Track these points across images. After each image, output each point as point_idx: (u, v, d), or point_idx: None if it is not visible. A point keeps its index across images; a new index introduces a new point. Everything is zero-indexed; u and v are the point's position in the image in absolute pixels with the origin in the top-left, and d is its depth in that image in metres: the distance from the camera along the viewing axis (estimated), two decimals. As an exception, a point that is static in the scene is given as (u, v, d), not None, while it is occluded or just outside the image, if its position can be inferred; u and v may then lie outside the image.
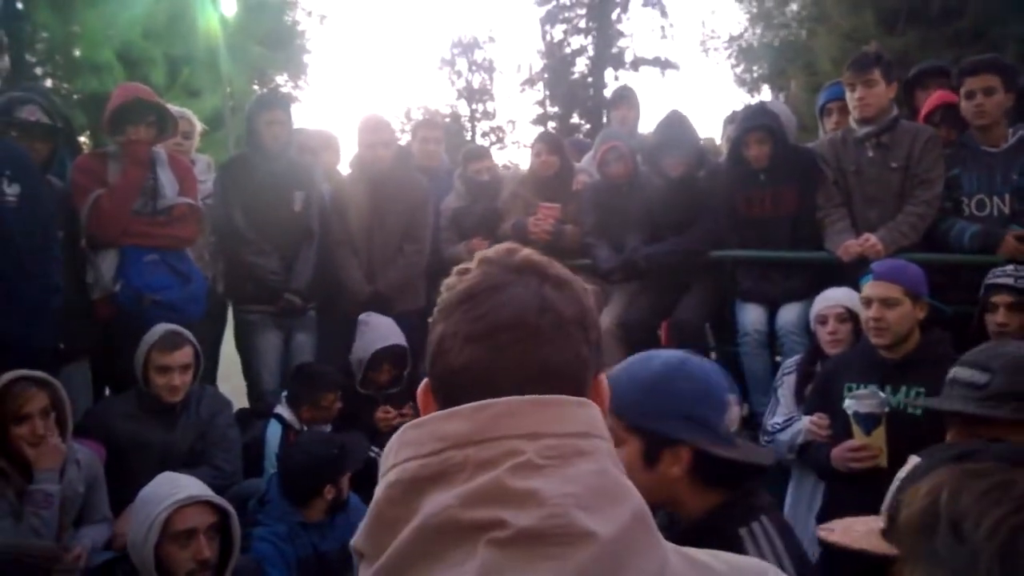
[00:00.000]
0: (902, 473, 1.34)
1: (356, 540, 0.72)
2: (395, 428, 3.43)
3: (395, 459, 0.71)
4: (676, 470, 1.36)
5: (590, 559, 0.63)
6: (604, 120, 5.12)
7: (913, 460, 1.37)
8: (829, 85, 4.22)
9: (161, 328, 3.03)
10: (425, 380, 0.80)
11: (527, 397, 0.70)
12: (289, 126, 3.86)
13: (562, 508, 0.64)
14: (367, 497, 2.79)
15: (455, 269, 0.81)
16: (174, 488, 2.28)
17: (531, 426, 0.69)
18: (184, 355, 3.00)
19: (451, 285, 0.79)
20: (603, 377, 0.80)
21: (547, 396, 0.71)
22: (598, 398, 0.78)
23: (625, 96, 4.79)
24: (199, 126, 4.17)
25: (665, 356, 1.45)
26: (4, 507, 2.46)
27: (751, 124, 3.57)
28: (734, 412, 1.42)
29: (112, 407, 3.12)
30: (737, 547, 1.32)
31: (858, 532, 1.21)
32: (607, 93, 26.27)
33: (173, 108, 3.71)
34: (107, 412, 3.09)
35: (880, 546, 1.17)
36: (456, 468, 0.67)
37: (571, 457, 0.68)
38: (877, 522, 1.26)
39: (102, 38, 11.19)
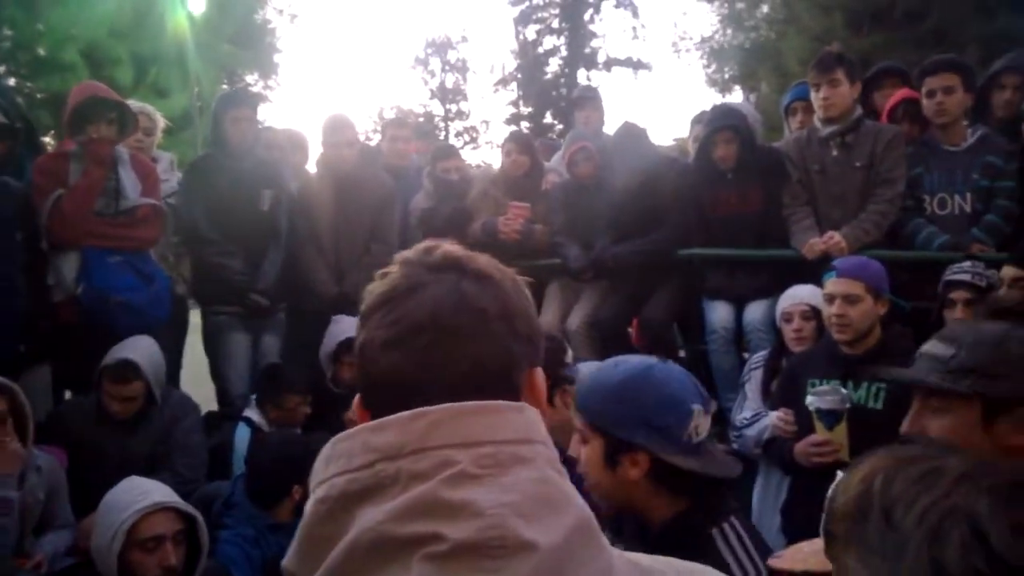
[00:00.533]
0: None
1: (287, 561, 0.69)
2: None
3: (324, 474, 0.68)
4: (634, 473, 1.39)
5: (530, 571, 0.61)
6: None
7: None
8: (794, 85, 4.29)
9: (117, 354, 2.97)
10: (358, 397, 0.78)
11: (461, 404, 0.68)
12: (255, 124, 3.83)
13: (500, 518, 0.62)
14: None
15: (377, 273, 0.79)
16: (140, 494, 2.24)
17: (466, 434, 0.66)
18: (132, 390, 2.97)
19: (371, 290, 0.77)
20: (538, 371, 0.78)
21: (483, 402, 0.69)
22: (533, 393, 0.76)
23: (588, 97, 4.81)
24: (161, 122, 4.10)
25: (633, 363, 1.47)
26: (-37, 514, 2.40)
27: (718, 124, 3.61)
28: (702, 420, 1.42)
29: (72, 412, 3.08)
30: (709, 545, 1.36)
31: (804, 553, 1.22)
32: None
33: (133, 104, 3.67)
34: (67, 417, 3.05)
35: (823, 564, 1.18)
36: (388, 481, 0.65)
37: (509, 465, 0.66)
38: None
39: (66, 37, 11.00)
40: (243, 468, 3.07)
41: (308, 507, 0.68)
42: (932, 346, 1.57)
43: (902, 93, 3.84)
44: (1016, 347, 1.43)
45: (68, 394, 3.47)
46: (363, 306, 0.76)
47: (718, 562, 1.31)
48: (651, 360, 1.47)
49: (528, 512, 0.64)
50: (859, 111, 3.49)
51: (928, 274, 3.15)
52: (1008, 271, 2.74)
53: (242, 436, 3.26)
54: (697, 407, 1.42)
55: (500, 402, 0.70)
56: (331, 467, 0.68)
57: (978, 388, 1.41)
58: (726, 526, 1.40)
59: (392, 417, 0.67)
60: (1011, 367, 1.41)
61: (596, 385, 1.44)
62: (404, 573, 0.62)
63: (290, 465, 2.74)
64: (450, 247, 0.78)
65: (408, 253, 0.79)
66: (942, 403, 1.46)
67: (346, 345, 3.47)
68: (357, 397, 0.78)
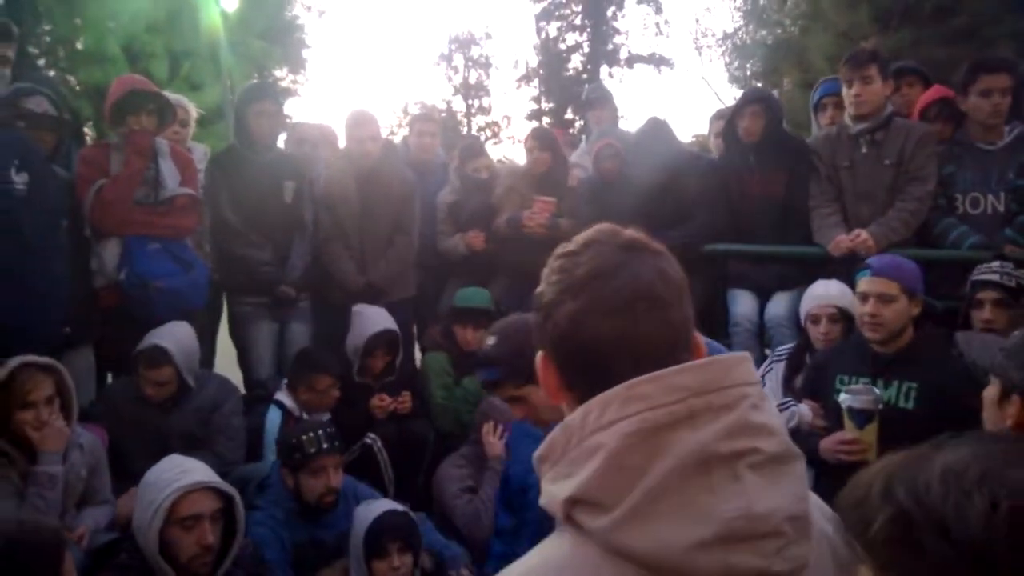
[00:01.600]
0: None
1: (579, 490, 0.79)
2: (391, 415, 3.47)
3: (622, 412, 0.79)
4: None
5: (803, 471, 0.83)
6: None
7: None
8: (824, 80, 4.24)
9: (150, 340, 3.07)
10: (541, 355, 0.91)
11: (730, 355, 0.85)
12: (279, 117, 3.88)
13: (784, 435, 0.82)
14: (368, 482, 2.82)
15: (560, 251, 0.91)
16: (180, 472, 2.31)
17: (744, 376, 0.83)
18: (163, 374, 3.07)
19: (566, 266, 0.89)
20: (698, 334, 0.92)
21: (736, 353, 0.86)
22: (698, 350, 0.90)
23: (599, 97, 4.79)
24: (195, 113, 4.18)
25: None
26: (8, 488, 2.50)
27: (748, 97, 3.66)
28: None
29: (115, 392, 3.18)
30: None
31: None
32: (603, 90, 26.40)
33: (169, 96, 3.73)
34: (110, 397, 3.16)
35: None
36: (699, 411, 0.79)
37: (764, 398, 0.84)
38: None
39: (105, 30, 11.19)
40: (273, 451, 3.16)
41: (612, 441, 0.78)
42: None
43: (936, 91, 3.81)
44: None
45: (109, 376, 3.56)
46: (565, 280, 0.88)
47: None
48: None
49: (783, 431, 0.83)
50: (890, 108, 3.47)
51: (958, 274, 3.12)
52: None
53: (273, 419, 3.34)
54: None
55: (742, 353, 0.87)
56: (631, 405, 0.79)
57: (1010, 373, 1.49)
58: None
59: (689, 364, 0.82)
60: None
61: None
62: (731, 480, 0.77)
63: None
64: (630, 232, 0.91)
65: (592, 235, 0.92)
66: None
67: (381, 338, 3.53)
68: (541, 358, 0.91)
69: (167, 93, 3.75)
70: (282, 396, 3.40)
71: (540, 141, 4.22)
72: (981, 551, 0.43)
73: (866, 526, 0.50)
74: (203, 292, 3.46)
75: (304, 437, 2.79)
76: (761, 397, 0.84)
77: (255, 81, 5.54)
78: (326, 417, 3.37)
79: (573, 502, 0.79)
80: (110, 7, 10.99)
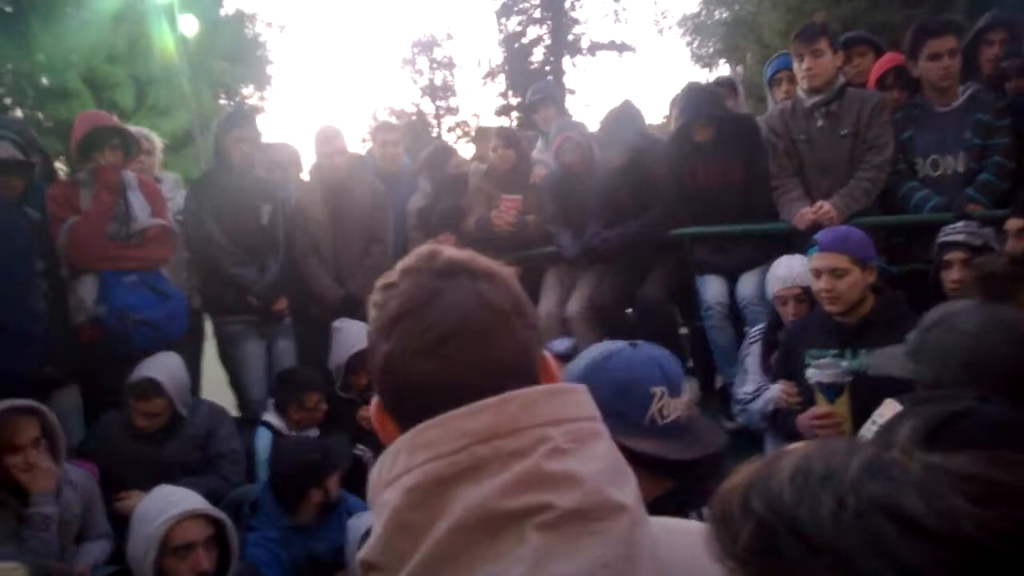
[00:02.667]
0: (880, 416, 1.37)
1: (368, 553, 0.71)
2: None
3: (408, 463, 0.70)
4: None
5: (627, 528, 0.68)
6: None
7: (889, 403, 1.42)
8: (776, 56, 4.31)
9: (140, 372, 3.09)
10: (376, 401, 0.81)
11: (544, 387, 0.75)
12: (257, 142, 3.93)
13: (597, 485, 0.69)
14: (359, 495, 2.84)
15: (379, 283, 0.81)
16: (170, 503, 2.34)
17: (551, 414, 0.72)
18: (155, 406, 3.09)
19: (381, 302, 0.79)
20: (546, 355, 0.83)
21: (553, 385, 0.76)
22: (548, 376, 0.80)
23: (541, 98, 4.80)
24: (159, 143, 4.22)
25: (597, 350, 1.46)
26: (5, 532, 2.51)
27: (696, 115, 3.63)
28: (667, 402, 1.40)
29: (106, 427, 3.19)
30: None
31: None
32: (566, 80, 26.43)
33: (132, 128, 3.76)
34: (100, 433, 3.17)
35: None
36: (485, 461, 0.68)
37: (589, 439, 0.72)
38: None
39: (66, 64, 11.15)
40: (266, 472, 3.20)
41: (395, 498, 0.69)
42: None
43: (890, 59, 3.86)
44: (937, 335, 1.52)
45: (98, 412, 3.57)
46: (380, 317, 0.78)
47: None
48: (617, 345, 1.45)
49: (613, 478, 0.71)
50: (842, 79, 3.50)
51: (924, 236, 3.16)
52: (1014, 223, 2.72)
53: (263, 441, 3.37)
54: (659, 389, 1.39)
55: (567, 384, 0.77)
56: (417, 456, 0.70)
57: (911, 373, 1.52)
58: (705, 510, 1.34)
59: (480, 403, 0.71)
60: (931, 354, 1.50)
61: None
62: (518, 543, 0.66)
63: (307, 470, 2.86)
64: (451, 251, 0.81)
65: (411, 261, 0.81)
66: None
67: (360, 357, 3.55)
68: (375, 402, 0.81)
69: (130, 126, 3.77)
70: (270, 417, 3.43)
71: (504, 139, 4.27)
72: (834, 548, 0.43)
73: (733, 541, 0.49)
74: (182, 322, 3.48)
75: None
76: (568, 438, 0.71)
77: (232, 108, 5.54)
78: (315, 433, 3.40)
79: (367, 566, 0.71)
80: (68, 41, 10.94)
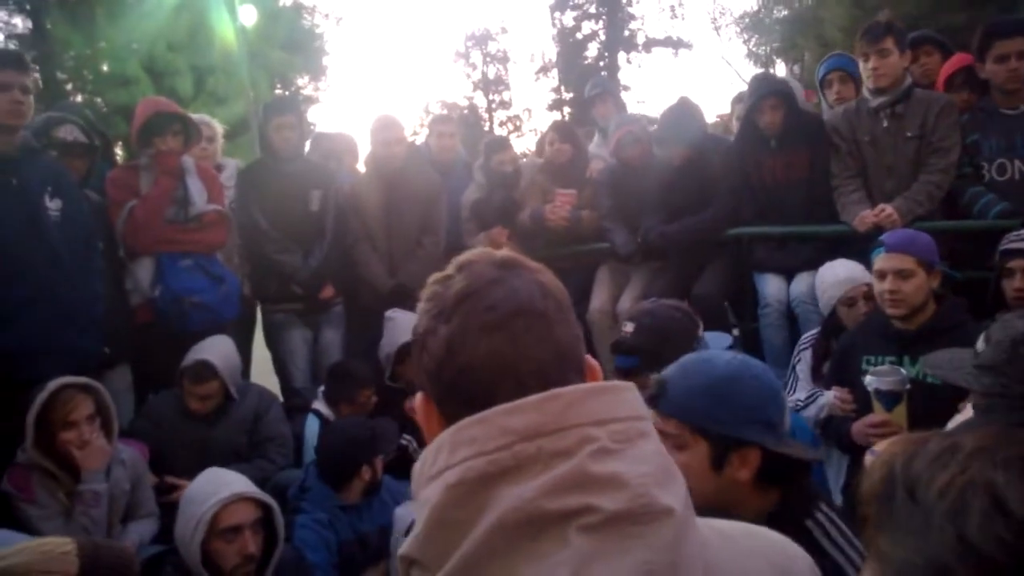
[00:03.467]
0: (953, 424, 1.36)
1: (408, 549, 0.70)
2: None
3: (450, 459, 0.69)
4: (744, 473, 1.35)
5: (674, 533, 0.66)
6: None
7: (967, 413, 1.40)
8: (828, 57, 4.21)
9: (195, 355, 3.15)
10: (421, 395, 0.79)
11: (584, 385, 0.73)
12: (300, 129, 3.95)
13: (644, 488, 0.67)
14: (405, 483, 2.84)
15: (432, 279, 0.81)
16: (219, 485, 2.36)
17: (597, 413, 0.70)
18: (210, 388, 3.15)
19: (438, 291, 0.78)
20: (590, 357, 0.81)
21: (599, 383, 0.74)
22: (592, 375, 0.79)
23: (599, 92, 4.78)
24: (220, 129, 4.29)
25: (726, 358, 1.44)
26: (55, 507, 2.59)
27: (764, 91, 3.60)
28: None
29: (157, 408, 3.27)
30: (806, 538, 1.30)
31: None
32: (620, 76, 26.22)
33: (194, 116, 3.84)
34: (153, 412, 3.25)
35: None
36: (529, 460, 0.67)
37: (636, 439, 0.70)
38: None
39: (127, 52, 11.50)
40: (314, 457, 3.23)
41: (436, 494, 0.68)
42: (979, 340, 1.59)
43: (960, 59, 3.74)
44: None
45: (148, 393, 3.67)
46: (438, 303, 0.78)
47: (819, 553, 1.25)
48: (735, 355, 1.44)
49: (661, 481, 0.69)
50: (909, 80, 3.41)
51: (987, 243, 3.04)
52: None
53: (312, 428, 3.40)
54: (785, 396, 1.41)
55: (614, 383, 0.74)
56: (460, 452, 0.69)
57: (994, 388, 1.45)
58: (819, 515, 1.36)
59: (524, 400, 0.69)
60: (1021, 369, 1.43)
61: (693, 386, 1.37)
62: (559, 545, 0.64)
63: (358, 446, 2.88)
64: (506, 250, 0.83)
65: (468, 256, 0.81)
66: (974, 397, 1.50)
67: (411, 347, 3.54)
68: (421, 396, 0.80)
69: (191, 113, 3.85)
70: (319, 406, 3.47)
71: (560, 133, 4.25)
72: (927, 508, 0.49)
73: (867, 484, 0.54)
74: (235, 305, 3.55)
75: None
76: (612, 440, 0.69)
77: (275, 96, 5.67)
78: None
79: (408, 562, 0.70)
80: (130, 29, 11.27)
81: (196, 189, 3.50)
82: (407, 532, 2.65)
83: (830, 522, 1.35)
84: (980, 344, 1.59)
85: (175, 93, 11.65)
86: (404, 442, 3.35)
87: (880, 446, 1.43)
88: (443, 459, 0.69)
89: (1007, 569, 0.44)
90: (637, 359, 1.88)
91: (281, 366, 3.96)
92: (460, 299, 0.76)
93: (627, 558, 0.64)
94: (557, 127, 4.36)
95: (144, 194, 3.42)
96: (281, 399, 3.92)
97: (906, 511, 0.51)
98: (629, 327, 1.94)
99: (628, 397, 0.73)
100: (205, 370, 3.13)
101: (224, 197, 3.74)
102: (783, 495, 1.38)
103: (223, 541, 2.28)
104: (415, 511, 0.71)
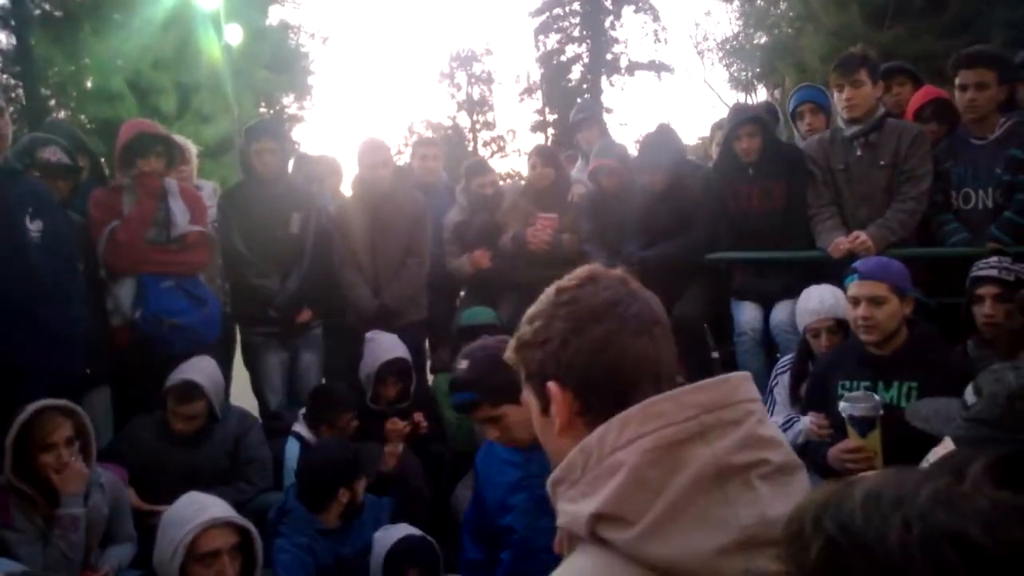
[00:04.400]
0: (934, 455, 1.38)
1: (601, 506, 0.84)
2: (406, 437, 3.48)
3: (641, 430, 0.85)
4: None
5: (806, 480, 0.91)
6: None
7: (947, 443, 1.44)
8: (797, 89, 4.32)
9: (181, 375, 3.14)
10: (554, 385, 0.95)
11: (739, 373, 0.94)
12: (281, 152, 3.97)
13: (787, 447, 0.91)
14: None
15: (562, 285, 0.99)
16: (198, 510, 2.36)
17: (748, 393, 0.92)
18: (196, 408, 3.15)
19: (578, 297, 0.96)
20: None
21: (740, 372, 0.94)
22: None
23: (585, 118, 4.83)
24: (195, 151, 4.30)
25: None
26: (32, 532, 2.55)
27: (741, 118, 3.67)
28: None
29: (137, 431, 3.24)
30: None
31: None
32: (603, 99, 26.48)
33: (176, 138, 3.85)
34: (131, 436, 3.22)
35: None
36: (710, 427, 0.86)
37: (765, 414, 0.92)
38: None
39: (112, 68, 11.46)
40: (294, 480, 3.21)
41: (632, 458, 0.84)
42: (967, 391, 1.61)
43: (927, 92, 3.82)
44: None
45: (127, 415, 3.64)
46: (583, 307, 0.95)
47: None
48: None
49: (787, 443, 0.92)
50: (882, 110, 3.48)
51: (957, 270, 3.13)
52: None
53: (292, 451, 3.39)
54: None
55: (744, 372, 0.96)
56: (650, 424, 0.86)
57: (975, 433, 1.48)
58: None
59: (704, 382, 0.90)
60: (1018, 424, 1.46)
61: None
62: (745, 489, 0.84)
63: (337, 468, 2.87)
64: (619, 271, 1.02)
65: (593, 271, 1.00)
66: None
67: (392, 366, 3.57)
68: (555, 389, 0.95)
69: (174, 133, 3.86)
70: (300, 428, 3.46)
71: (543, 157, 4.30)
72: (899, 569, 0.47)
73: (804, 557, 0.52)
74: (216, 327, 3.55)
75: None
76: (764, 412, 0.91)
77: (256, 120, 5.67)
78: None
79: (598, 517, 0.84)
80: (115, 47, 11.24)
81: (179, 210, 3.50)
82: (386, 557, 2.64)
83: None
84: (970, 396, 1.61)
85: (159, 111, 11.62)
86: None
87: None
88: (631, 431, 0.86)
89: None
90: (475, 393, 1.96)
91: (256, 388, 3.97)
92: (610, 305, 0.95)
93: (792, 496, 0.83)
94: (539, 151, 4.41)
95: (126, 215, 3.42)
96: (260, 420, 3.92)
97: (868, 573, 0.50)
98: (464, 364, 2.03)
99: (754, 386, 0.94)
100: (191, 390, 3.12)
101: (207, 218, 3.74)
102: None
103: (201, 565, 2.28)
104: (592, 480, 0.86)
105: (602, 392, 0.93)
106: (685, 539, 0.80)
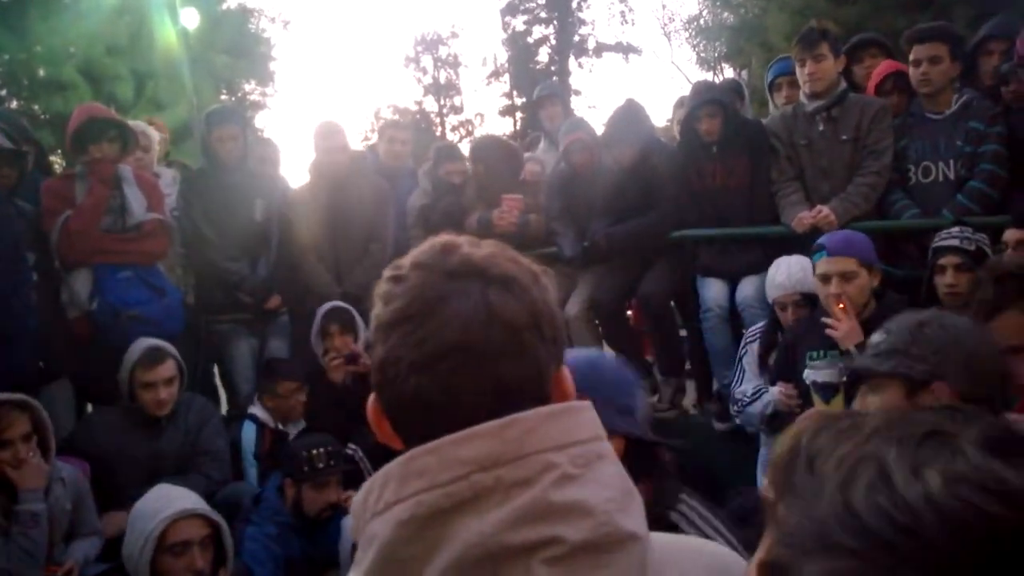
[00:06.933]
0: None
1: None
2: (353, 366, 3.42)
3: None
4: None
5: (638, 559, 0.65)
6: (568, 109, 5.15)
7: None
8: (776, 60, 4.32)
9: (142, 344, 3.08)
10: (373, 398, 0.75)
11: (541, 410, 0.68)
12: (242, 139, 3.89)
13: (608, 515, 0.65)
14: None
15: (386, 275, 0.75)
16: (168, 502, 2.35)
17: (558, 437, 0.67)
18: (167, 369, 3.07)
19: (386, 296, 0.73)
20: (564, 371, 0.76)
21: (558, 405, 0.70)
22: (562, 394, 0.74)
23: (548, 95, 4.82)
24: (157, 137, 4.20)
25: (579, 352, 1.42)
26: (-7, 529, 2.50)
27: (702, 99, 3.67)
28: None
29: (96, 422, 3.18)
30: (674, 531, 1.32)
31: None
32: (571, 81, 26.44)
33: (132, 123, 3.75)
34: (91, 428, 3.15)
35: None
36: (487, 491, 0.64)
37: (595, 462, 0.67)
38: None
39: (63, 56, 11.12)
40: (252, 463, 3.26)
41: (384, 531, 0.65)
42: (875, 334, 1.68)
43: (888, 66, 3.84)
44: (932, 331, 1.53)
45: (89, 408, 3.56)
46: (376, 316, 0.73)
47: None
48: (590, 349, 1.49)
49: (624, 505, 0.67)
50: (844, 85, 3.51)
51: (916, 243, 3.21)
52: (1012, 234, 2.73)
53: (248, 433, 3.38)
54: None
55: (574, 403, 0.71)
56: (410, 485, 0.65)
57: (899, 369, 1.52)
58: (682, 507, 1.38)
59: (479, 428, 0.66)
60: (926, 349, 1.52)
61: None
62: None
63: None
64: (470, 247, 0.73)
65: (423, 255, 0.74)
66: (874, 383, 1.58)
67: (332, 316, 3.55)
68: (373, 402, 0.75)
69: (129, 120, 3.76)
70: (255, 409, 3.45)
71: (471, 154, 4.35)
72: (823, 483, 0.49)
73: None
74: (178, 318, 3.47)
75: (315, 451, 2.83)
76: (581, 464, 0.66)
77: (217, 105, 5.55)
78: (301, 424, 3.39)
79: None
80: (65, 32, 10.91)
81: (134, 197, 3.41)
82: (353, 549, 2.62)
83: (696, 513, 1.40)
84: (876, 336, 1.67)
85: (115, 99, 11.32)
86: (350, 452, 3.32)
87: None
88: (391, 492, 0.66)
89: (886, 539, 0.46)
90: None
91: (226, 377, 3.90)
92: (395, 322, 0.71)
93: None
94: (471, 149, 4.45)
95: (79, 203, 3.32)
96: (225, 410, 3.87)
97: (804, 480, 0.52)
98: None
99: (586, 417, 0.70)
100: (157, 352, 3.06)
101: (165, 206, 3.65)
102: (653, 490, 1.38)
103: (172, 557, 2.27)
104: (358, 549, 0.68)
105: (401, 421, 0.73)
106: None
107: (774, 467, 0.56)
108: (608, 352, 1.47)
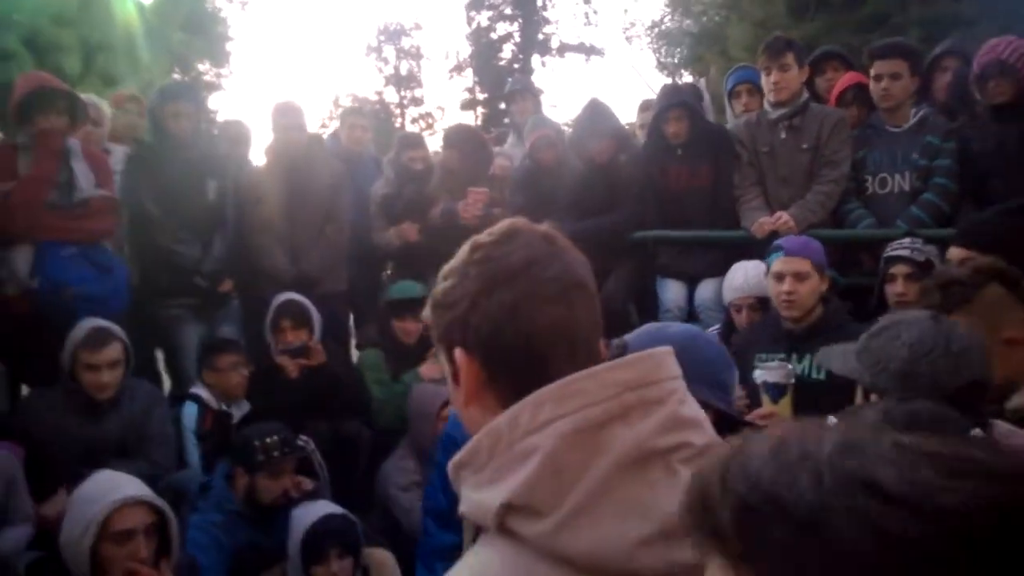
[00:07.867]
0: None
1: (511, 496, 0.75)
2: (322, 415, 3.35)
3: (557, 411, 0.77)
4: None
5: None
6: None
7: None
8: (736, 69, 4.40)
9: (87, 325, 2.96)
10: (463, 355, 0.85)
11: (660, 349, 0.85)
12: (196, 116, 3.80)
13: (709, 428, 0.85)
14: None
15: (478, 242, 0.88)
16: (113, 487, 2.25)
17: (672, 370, 0.85)
18: (113, 351, 2.96)
19: (492, 256, 0.85)
20: None
21: (663, 348, 0.86)
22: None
23: (520, 89, 4.85)
24: (108, 112, 4.04)
25: (679, 325, 1.50)
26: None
27: (670, 102, 3.71)
28: None
29: (34, 404, 3.05)
30: None
31: None
32: (535, 79, 26.48)
33: (83, 96, 3.59)
34: (28, 409, 3.03)
35: None
36: (632, 408, 0.79)
37: (687, 392, 0.86)
38: None
39: (6, 24, 10.63)
40: (194, 443, 3.17)
41: (548, 442, 0.76)
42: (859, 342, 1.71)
43: (850, 77, 3.95)
44: (878, 343, 1.59)
45: (24, 389, 3.41)
46: (494, 269, 0.85)
47: None
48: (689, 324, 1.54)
49: (709, 425, 0.86)
50: (806, 95, 3.60)
51: (865, 252, 3.33)
52: (955, 252, 2.78)
53: (190, 412, 3.28)
54: None
55: (668, 347, 0.87)
56: (568, 403, 0.78)
57: (852, 373, 1.59)
58: None
59: (625, 359, 0.82)
60: (869, 359, 1.58)
61: (648, 345, 1.46)
62: (669, 474, 0.77)
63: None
64: (544, 228, 0.90)
65: (515, 226, 0.89)
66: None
67: (285, 309, 3.47)
68: (463, 359, 0.85)
69: (80, 93, 3.60)
70: (198, 389, 3.35)
71: (445, 140, 4.29)
72: (817, 523, 0.45)
73: (714, 521, 0.49)
74: (123, 296, 3.35)
75: (268, 440, 2.76)
76: (685, 390, 0.85)
77: (171, 81, 5.41)
78: (245, 406, 3.33)
79: (507, 508, 0.75)
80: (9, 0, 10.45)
81: (82, 172, 3.27)
82: (305, 535, 2.56)
83: None
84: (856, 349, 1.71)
85: (61, 71, 10.87)
86: (301, 443, 3.26)
87: None
88: (547, 412, 0.77)
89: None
90: None
91: (173, 363, 3.77)
92: (524, 267, 0.84)
93: None
94: (445, 136, 4.37)
95: (23, 176, 3.17)
96: (168, 391, 3.75)
97: (785, 533, 0.47)
98: None
99: (675, 360, 0.87)
100: (103, 333, 2.94)
101: (114, 183, 3.51)
102: None
103: (114, 544, 2.17)
104: (505, 465, 0.77)
105: (510, 362, 0.83)
106: (604, 530, 0.73)
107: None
108: (702, 330, 1.50)
